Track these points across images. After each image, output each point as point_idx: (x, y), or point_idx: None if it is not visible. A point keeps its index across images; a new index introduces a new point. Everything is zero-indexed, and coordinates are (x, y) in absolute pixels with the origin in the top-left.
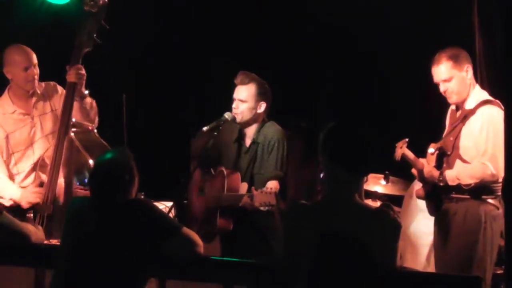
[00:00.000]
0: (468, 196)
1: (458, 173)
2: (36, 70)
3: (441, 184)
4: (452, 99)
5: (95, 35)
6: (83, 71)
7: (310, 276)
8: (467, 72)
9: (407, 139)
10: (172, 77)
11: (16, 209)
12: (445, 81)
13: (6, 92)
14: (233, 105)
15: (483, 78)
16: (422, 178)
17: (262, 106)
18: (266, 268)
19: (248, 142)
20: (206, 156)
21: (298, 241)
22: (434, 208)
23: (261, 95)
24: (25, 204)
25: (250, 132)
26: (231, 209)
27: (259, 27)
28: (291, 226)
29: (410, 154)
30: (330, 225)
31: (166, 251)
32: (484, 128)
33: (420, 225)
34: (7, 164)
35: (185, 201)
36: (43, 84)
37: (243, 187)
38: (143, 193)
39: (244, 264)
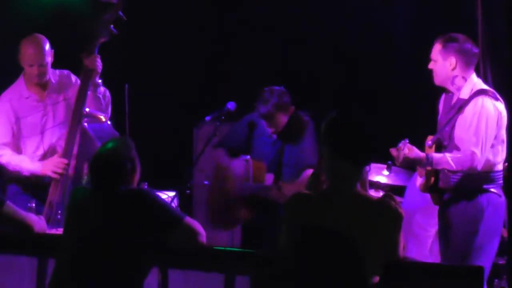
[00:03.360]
0: (469, 186)
1: (445, 157)
2: (43, 68)
3: (428, 167)
4: (435, 80)
5: (112, 25)
6: (99, 61)
7: (310, 266)
8: (451, 64)
9: (406, 140)
10: (175, 67)
11: (36, 182)
12: (431, 60)
13: (21, 76)
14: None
15: (486, 68)
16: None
17: (284, 119)
18: (268, 258)
19: (275, 133)
20: (234, 144)
21: (298, 231)
22: (438, 198)
23: (281, 111)
24: (51, 174)
25: (278, 123)
26: (256, 199)
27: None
28: (292, 216)
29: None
30: (331, 215)
31: (168, 241)
32: (476, 118)
33: (423, 216)
34: (15, 149)
35: (188, 191)
36: (57, 72)
37: (269, 178)
38: (145, 182)
39: (247, 254)
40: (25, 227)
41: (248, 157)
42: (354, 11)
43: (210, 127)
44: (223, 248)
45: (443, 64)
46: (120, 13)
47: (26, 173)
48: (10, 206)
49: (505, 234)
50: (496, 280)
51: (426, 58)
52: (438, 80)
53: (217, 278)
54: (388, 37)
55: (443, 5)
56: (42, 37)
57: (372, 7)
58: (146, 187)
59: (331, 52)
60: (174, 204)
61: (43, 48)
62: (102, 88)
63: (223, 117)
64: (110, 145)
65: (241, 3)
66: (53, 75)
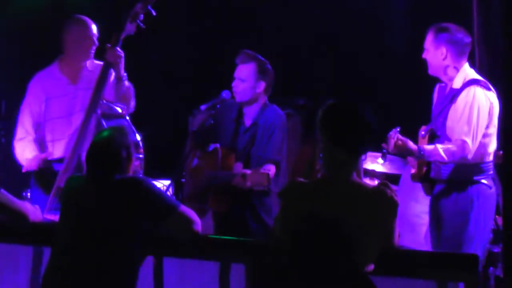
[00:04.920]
0: (460, 177)
1: (437, 149)
2: (96, 41)
3: (420, 158)
4: (428, 69)
5: (139, 19)
6: (122, 53)
7: (305, 254)
8: (442, 54)
9: (398, 128)
10: (170, 56)
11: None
12: (425, 49)
13: (56, 61)
14: (233, 84)
15: (481, 57)
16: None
17: (261, 86)
18: (263, 246)
19: (247, 122)
20: (202, 133)
21: (294, 219)
22: (429, 189)
23: (260, 74)
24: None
25: (250, 112)
26: (226, 187)
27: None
28: (288, 204)
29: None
30: (327, 203)
31: (163, 230)
32: (468, 108)
33: (418, 204)
34: (42, 130)
35: (183, 180)
36: (95, 62)
37: (238, 166)
38: (141, 171)
39: (242, 242)
40: (20, 216)
41: (218, 145)
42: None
43: (205, 116)
44: (218, 237)
45: (434, 54)
46: (149, 7)
47: (21, 161)
48: (4, 195)
49: (500, 222)
50: (491, 268)
51: (421, 47)
52: (431, 70)
53: (212, 267)
54: (383, 26)
55: None
56: (87, 18)
57: None
58: (141, 175)
59: (327, 41)
60: (169, 193)
61: (89, 25)
62: (127, 83)
63: (218, 106)
64: (105, 133)
65: None
66: (91, 63)
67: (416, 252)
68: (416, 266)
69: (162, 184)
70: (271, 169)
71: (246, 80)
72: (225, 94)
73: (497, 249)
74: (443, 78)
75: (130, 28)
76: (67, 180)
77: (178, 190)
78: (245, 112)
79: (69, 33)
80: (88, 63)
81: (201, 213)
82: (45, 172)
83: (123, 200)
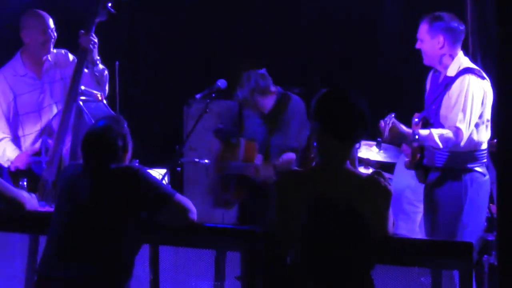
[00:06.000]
0: (454, 165)
1: (431, 134)
2: (53, 34)
3: (414, 143)
4: (424, 60)
5: (109, 5)
6: (96, 39)
7: (302, 243)
8: (439, 42)
9: (393, 114)
10: (165, 44)
11: (14, 173)
12: (419, 39)
13: (18, 54)
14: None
15: (474, 46)
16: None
17: (262, 100)
18: (260, 234)
19: (265, 113)
20: (226, 126)
21: (290, 208)
22: (423, 176)
23: (257, 92)
24: (21, 166)
25: (267, 103)
26: (246, 178)
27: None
28: (283, 193)
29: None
30: (321, 192)
31: (159, 218)
32: (462, 96)
33: (413, 192)
34: (13, 126)
35: (179, 168)
36: (54, 51)
37: (258, 158)
38: (137, 160)
39: (237, 230)
40: (16, 205)
41: (241, 138)
42: None
43: (200, 105)
44: (213, 225)
45: (431, 43)
46: None
47: (3, 163)
48: (1, 183)
49: (494, 210)
50: (486, 256)
51: (414, 36)
52: (427, 59)
53: (208, 255)
54: (377, 16)
55: None
56: (44, 12)
57: None
58: (137, 164)
59: (321, 32)
60: (165, 181)
61: (46, 19)
62: (100, 66)
63: (213, 95)
64: (101, 122)
65: None
66: (50, 54)
67: (411, 240)
68: (411, 254)
69: (157, 173)
70: (291, 156)
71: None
72: (220, 83)
73: (491, 237)
74: (438, 67)
75: (100, 14)
76: (64, 169)
77: (174, 179)
78: (262, 104)
79: (27, 28)
80: (49, 55)
81: (227, 204)
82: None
83: (119, 189)
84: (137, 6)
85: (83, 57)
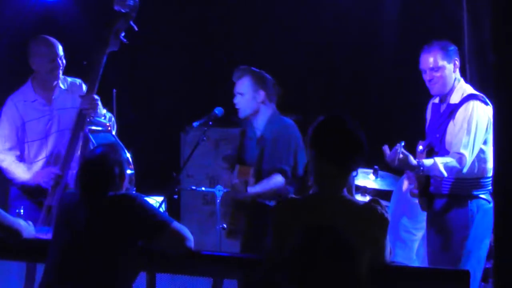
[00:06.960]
0: (460, 192)
1: (436, 164)
2: (62, 62)
3: (421, 173)
4: (435, 89)
5: (122, 35)
6: (98, 98)
7: (296, 270)
8: (455, 65)
9: (402, 143)
10: (162, 72)
11: (32, 191)
12: (432, 70)
13: (29, 80)
14: (234, 100)
15: (472, 73)
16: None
17: (261, 94)
18: (255, 262)
19: (258, 135)
20: (229, 154)
21: (285, 235)
22: (426, 204)
23: (258, 84)
24: (42, 183)
25: (259, 124)
26: (239, 205)
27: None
28: (279, 221)
29: (408, 162)
30: (318, 220)
31: (156, 246)
32: (466, 122)
33: (410, 220)
34: (21, 151)
35: (176, 196)
36: (69, 79)
37: (251, 182)
38: (134, 187)
39: (234, 258)
40: (13, 233)
41: (238, 164)
42: (342, 12)
43: (197, 132)
44: (210, 253)
45: (448, 68)
46: (131, 23)
47: (19, 181)
48: None
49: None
50: (483, 284)
51: (411, 62)
52: (442, 88)
53: (205, 282)
54: (374, 40)
55: (429, 9)
56: (53, 38)
57: (358, 5)
58: (134, 192)
59: (318, 55)
60: (162, 209)
61: (55, 46)
62: (108, 115)
63: (210, 123)
64: (98, 150)
65: (224, 2)
66: (64, 81)
67: (408, 268)
68: (408, 282)
69: (155, 200)
70: (276, 178)
71: (245, 93)
72: (217, 111)
73: (488, 265)
74: (447, 95)
75: (112, 44)
76: (61, 196)
77: (171, 206)
78: (255, 126)
79: (34, 55)
80: (60, 82)
81: (233, 235)
82: (34, 189)
83: (116, 217)
84: (134, 34)
85: (83, 121)
